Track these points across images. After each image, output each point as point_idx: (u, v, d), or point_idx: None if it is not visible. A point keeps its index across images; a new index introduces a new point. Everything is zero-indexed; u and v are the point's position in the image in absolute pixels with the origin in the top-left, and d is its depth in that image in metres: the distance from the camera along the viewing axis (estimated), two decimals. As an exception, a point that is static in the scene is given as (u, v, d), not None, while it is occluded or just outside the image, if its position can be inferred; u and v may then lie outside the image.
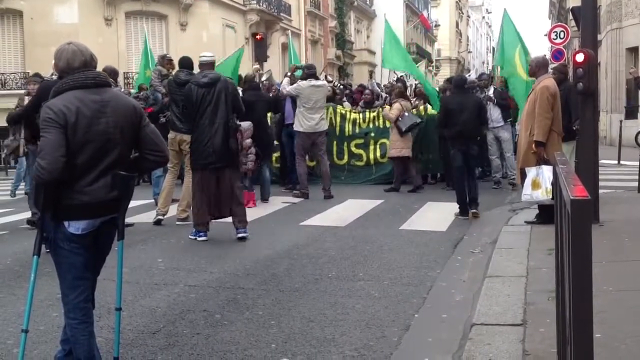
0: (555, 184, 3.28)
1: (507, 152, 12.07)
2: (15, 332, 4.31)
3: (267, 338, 4.26)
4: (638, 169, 10.21)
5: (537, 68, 7.83)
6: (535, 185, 7.25)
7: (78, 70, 3.35)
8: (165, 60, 11.18)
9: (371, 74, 46.21)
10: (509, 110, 12.08)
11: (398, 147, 11.68)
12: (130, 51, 25.84)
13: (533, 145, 7.45)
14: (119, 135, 3.36)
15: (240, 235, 7.43)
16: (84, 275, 3.42)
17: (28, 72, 24.21)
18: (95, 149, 3.28)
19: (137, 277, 5.75)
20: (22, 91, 13.76)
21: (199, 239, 7.39)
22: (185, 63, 8.76)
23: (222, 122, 7.35)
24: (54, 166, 3.13)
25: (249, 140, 9.67)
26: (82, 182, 3.27)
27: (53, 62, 3.52)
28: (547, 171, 7.12)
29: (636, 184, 10.21)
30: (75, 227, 3.31)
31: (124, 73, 25.04)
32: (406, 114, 11.77)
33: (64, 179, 3.20)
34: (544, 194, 7.14)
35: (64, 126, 3.19)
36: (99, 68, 8.77)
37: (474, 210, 8.83)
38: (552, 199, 6.62)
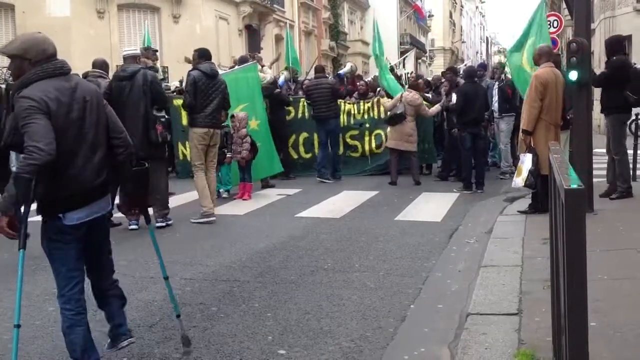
0: (550, 173, 3.28)
1: (500, 143, 12.05)
2: (12, 326, 4.29)
3: (263, 330, 4.27)
4: (632, 158, 10.23)
5: (538, 56, 7.87)
6: (519, 171, 7.35)
7: (51, 58, 3.35)
8: (150, 52, 11.10)
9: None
10: (509, 102, 11.73)
11: (412, 140, 11.36)
12: (123, 44, 25.59)
13: (520, 133, 7.61)
14: (89, 119, 3.38)
15: (158, 224, 7.65)
16: (78, 266, 3.46)
17: (20, 66, 24.03)
18: (72, 136, 3.30)
19: (133, 271, 5.74)
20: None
21: (129, 227, 7.63)
22: (203, 54, 8.66)
23: (141, 114, 7.45)
24: (51, 147, 3.10)
25: (244, 130, 9.71)
26: (68, 173, 3.29)
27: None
28: (528, 159, 7.20)
29: (630, 172, 10.21)
30: (70, 217, 3.33)
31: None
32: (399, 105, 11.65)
33: (54, 165, 3.18)
34: (521, 182, 7.24)
35: (48, 113, 3.18)
36: (90, 60, 8.73)
37: (480, 191, 10.19)
38: (525, 186, 7.25)
